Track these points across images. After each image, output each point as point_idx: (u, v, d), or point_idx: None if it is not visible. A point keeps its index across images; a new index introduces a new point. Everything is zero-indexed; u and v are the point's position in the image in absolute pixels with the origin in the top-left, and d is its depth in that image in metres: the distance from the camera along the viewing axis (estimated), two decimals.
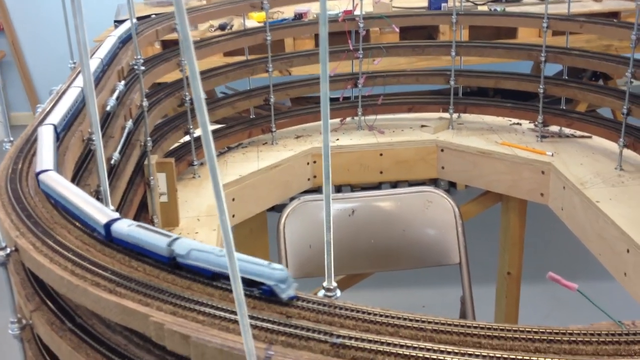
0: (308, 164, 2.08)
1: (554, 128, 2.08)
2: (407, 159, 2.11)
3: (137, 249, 0.84)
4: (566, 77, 2.03)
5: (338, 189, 3.44)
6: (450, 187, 3.71)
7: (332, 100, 2.26)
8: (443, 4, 3.00)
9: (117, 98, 1.43)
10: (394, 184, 3.58)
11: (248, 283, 0.75)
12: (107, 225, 0.86)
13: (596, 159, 1.91)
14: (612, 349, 0.66)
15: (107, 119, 1.42)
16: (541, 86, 1.95)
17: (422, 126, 2.17)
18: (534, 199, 1.98)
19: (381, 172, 2.13)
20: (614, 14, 2.96)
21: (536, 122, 2.03)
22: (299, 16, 3.03)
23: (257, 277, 0.75)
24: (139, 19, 1.90)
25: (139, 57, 1.55)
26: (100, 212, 0.88)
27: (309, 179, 2.10)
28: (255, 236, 2.16)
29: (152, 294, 0.78)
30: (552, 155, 1.93)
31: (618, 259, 1.59)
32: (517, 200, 2.18)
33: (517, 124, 2.16)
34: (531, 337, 0.67)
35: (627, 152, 1.84)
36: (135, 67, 1.56)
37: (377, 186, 3.53)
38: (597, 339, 0.67)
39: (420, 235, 2.02)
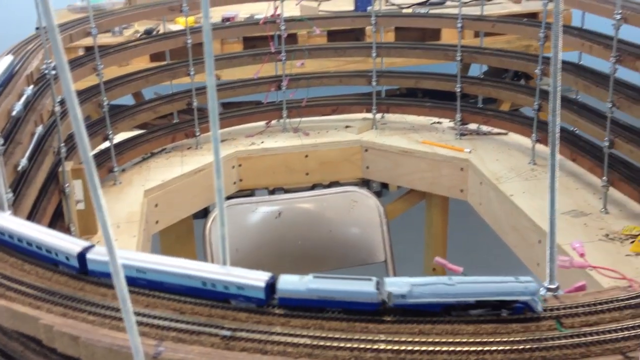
0: (233, 167, 2.08)
1: (473, 126, 2.14)
2: (332, 159, 2.13)
3: (329, 303, 0.71)
4: (482, 76, 2.10)
5: (272, 192, 3.44)
6: (382, 188, 3.75)
7: (256, 103, 2.26)
8: (369, 7, 3.06)
9: (25, 103, 1.39)
10: (327, 185, 3.61)
11: (494, 306, 0.68)
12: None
13: (511, 154, 1.98)
14: (490, 328, 0.68)
15: (15, 124, 1.38)
16: (458, 85, 2.01)
17: (347, 127, 2.20)
18: (454, 195, 2.04)
19: (307, 174, 2.15)
20: (533, 15, 3.06)
21: (455, 121, 2.08)
22: (226, 20, 3.03)
23: (510, 296, 0.67)
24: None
25: (49, 61, 1.51)
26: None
27: (234, 183, 2.10)
28: (182, 242, 2.14)
29: (43, 296, 0.77)
30: (470, 152, 1.99)
31: (531, 250, 1.65)
32: (439, 197, 2.24)
33: (438, 122, 2.21)
34: (416, 319, 0.69)
35: (540, 147, 1.91)
36: (46, 71, 1.52)
37: (312, 187, 3.55)
38: (476, 318, 0.69)
39: (346, 235, 2.04)
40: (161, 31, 2.91)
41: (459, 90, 2.01)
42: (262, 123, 2.20)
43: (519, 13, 3.03)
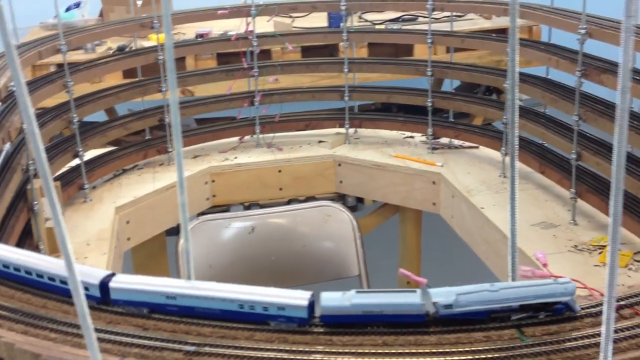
0: (206, 183, 2.07)
1: (445, 140, 2.16)
2: (305, 174, 2.13)
3: (372, 318, 0.69)
4: (453, 91, 2.12)
5: (248, 207, 3.43)
6: (358, 202, 3.76)
7: (229, 118, 2.26)
8: (342, 24, 3.08)
9: None
10: (302, 200, 3.61)
11: (536, 309, 0.68)
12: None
13: (482, 167, 2.00)
14: (453, 338, 0.69)
15: None
16: (429, 100, 2.03)
17: (320, 142, 2.21)
18: (427, 209, 2.05)
19: (281, 189, 2.15)
20: (503, 30, 3.12)
21: (427, 135, 2.10)
22: (200, 36, 3.03)
23: (552, 298, 0.68)
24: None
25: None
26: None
27: (207, 199, 2.09)
28: (155, 260, 2.12)
29: (4, 314, 0.75)
30: (442, 165, 2.01)
31: (502, 262, 1.65)
32: (412, 211, 2.25)
33: (410, 137, 2.23)
34: (380, 331, 0.69)
35: (509, 160, 1.93)
36: (14, 88, 1.51)
37: (287, 202, 3.55)
38: (440, 329, 0.70)
39: (320, 249, 2.04)
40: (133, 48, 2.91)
41: (430, 104, 2.03)
42: (235, 139, 2.20)
43: (489, 29, 3.09)
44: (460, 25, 3.07)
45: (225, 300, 0.72)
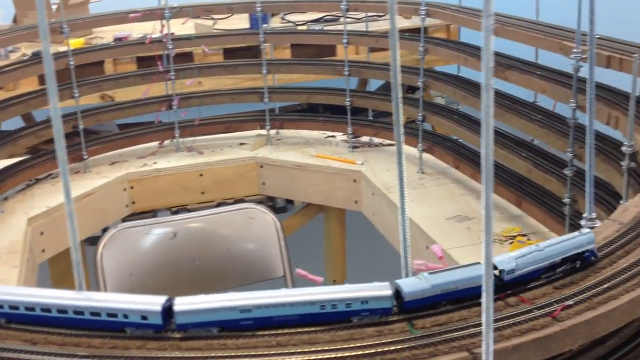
0: (125, 190, 2.03)
1: (366, 138, 2.19)
2: (227, 177, 2.12)
3: (446, 296, 0.72)
4: (369, 90, 2.15)
5: (176, 212, 3.37)
6: (287, 203, 3.77)
7: (147, 123, 2.22)
8: (264, 25, 3.08)
9: None
10: (238, 201, 3.58)
11: (572, 260, 0.77)
12: None
13: None
14: (346, 334, 0.70)
15: None
16: (348, 99, 2.05)
17: (241, 144, 2.20)
18: (349, 207, 2.07)
19: (203, 193, 2.13)
20: (425, 30, 3.18)
21: (347, 134, 2.12)
22: (118, 40, 2.97)
23: (584, 247, 0.77)
24: None
25: None
26: None
27: (127, 206, 2.05)
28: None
29: None
30: (362, 164, 2.03)
31: (420, 256, 1.69)
32: (336, 210, 2.27)
33: (332, 136, 2.25)
34: (269, 333, 0.69)
35: (427, 156, 1.97)
36: None
37: (217, 205, 3.51)
38: (333, 327, 0.70)
39: (244, 252, 2.03)
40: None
41: (348, 104, 2.05)
42: (155, 143, 2.17)
43: (408, 28, 3.13)
44: (381, 25, 3.11)
45: (306, 304, 0.70)
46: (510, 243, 1.59)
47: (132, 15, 2.00)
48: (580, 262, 0.79)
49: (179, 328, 0.70)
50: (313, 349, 0.68)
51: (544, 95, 1.54)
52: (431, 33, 3.16)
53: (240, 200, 3.04)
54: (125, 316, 0.70)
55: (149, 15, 1.98)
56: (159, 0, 2.01)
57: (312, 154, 2.13)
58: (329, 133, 2.25)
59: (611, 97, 1.29)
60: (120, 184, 2.00)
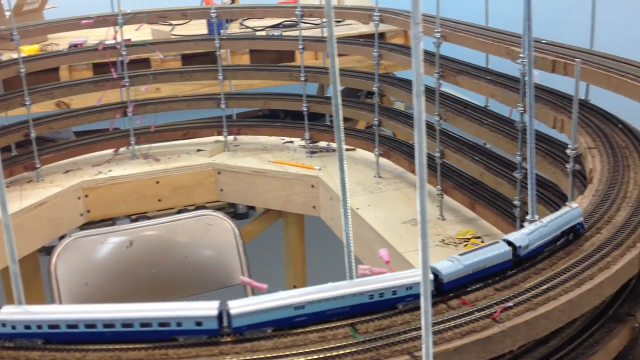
0: (79, 198, 2.00)
1: (323, 143, 2.19)
2: (184, 184, 2.10)
3: (475, 275, 0.76)
4: (325, 95, 2.15)
5: (135, 220, 3.34)
6: (249, 209, 3.76)
7: (102, 131, 2.19)
8: (222, 31, 3.07)
9: None
10: (199, 208, 3.55)
11: (567, 232, 0.84)
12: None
13: (358, 169, 2.05)
14: (290, 341, 0.70)
15: None
16: (304, 105, 2.05)
17: (198, 150, 2.19)
18: (308, 212, 2.07)
19: (159, 200, 2.11)
20: (381, 35, 3.21)
21: (305, 139, 2.13)
22: (74, 46, 2.92)
23: (576, 220, 0.84)
24: None
25: None
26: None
27: (81, 214, 2.02)
28: (28, 281, 2.02)
29: None
30: (320, 169, 2.04)
31: (377, 260, 1.70)
32: (295, 215, 2.27)
33: (290, 142, 2.25)
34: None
35: (384, 161, 1.99)
36: None
37: (177, 212, 3.48)
38: (277, 333, 0.70)
39: (202, 259, 2.02)
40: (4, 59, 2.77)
41: (305, 109, 2.06)
42: (110, 151, 2.14)
43: (367, 34, 3.16)
44: (340, 31, 3.13)
45: (356, 295, 0.72)
46: (465, 246, 1.61)
47: (84, 21, 1.97)
48: (572, 234, 0.85)
49: (235, 331, 0.69)
50: (255, 357, 0.67)
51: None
52: (389, 38, 3.19)
53: (202, 207, 3.02)
54: (179, 324, 0.68)
55: (101, 21, 1.95)
56: (112, 6, 1.98)
57: (270, 160, 2.12)
58: (287, 139, 2.25)
59: (557, 100, 1.32)
60: (74, 193, 1.97)
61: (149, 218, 3.26)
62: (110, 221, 2.74)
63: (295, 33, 2.90)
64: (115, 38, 1.98)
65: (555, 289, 0.76)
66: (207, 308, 0.69)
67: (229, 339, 0.69)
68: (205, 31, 3.04)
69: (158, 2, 2.46)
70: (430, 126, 1.82)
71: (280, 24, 3.24)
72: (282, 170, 2.06)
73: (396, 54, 1.81)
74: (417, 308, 0.72)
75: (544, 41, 1.39)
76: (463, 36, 1.54)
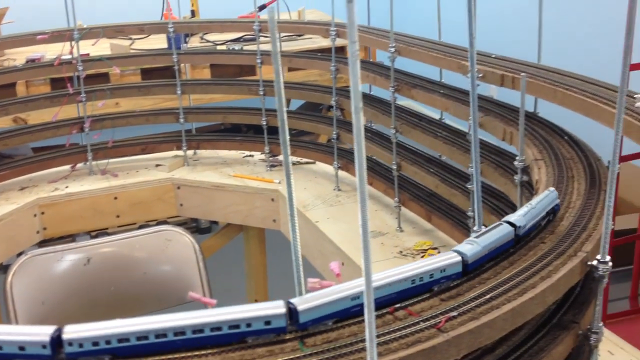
0: (35, 215, 1.97)
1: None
2: (143, 199, 2.09)
3: (489, 255, 0.84)
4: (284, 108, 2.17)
5: (95, 236, 3.29)
6: (212, 224, 3.74)
7: (58, 146, 2.17)
8: (183, 45, 3.06)
9: None
10: (160, 223, 3.52)
11: (549, 213, 0.93)
12: None
13: (318, 182, 2.06)
14: (237, 356, 0.70)
15: None
16: (263, 118, 2.06)
17: (157, 165, 2.17)
18: (268, 226, 2.07)
19: (118, 216, 2.09)
20: (341, 49, 3.24)
21: (265, 153, 2.13)
22: (31, 62, 2.89)
23: (553, 203, 0.93)
24: None
25: None
26: None
27: (38, 232, 1.99)
28: None
29: None
30: (280, 182, 2.04)
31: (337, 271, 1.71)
32: (255, 229, 2.27)
33: (250, 155, 2.25)
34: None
35: (343, 174, 2.00)
36: None
37: (139, 228, 3.45)
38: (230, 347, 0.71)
39: (162, 275, 2.00)
40: None
41: (264, 123, 2.07)
42: (67, 167, 2.11)
43: (327, 47, 3.19)
44: (301, 44, 3.15)
45: (401, 281, 0.76)
46: (422, 257, 1.64)
47: (39, 37, 1.95)
48: (552, 215, 0.94)
49: (301, 327, 0.72)
50: None
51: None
52: (348, 53, 3.22)
53: (163, 222, 3.00)
54: (249, 325, 0.70)
55: (57, 37, 1.93)
56: (67, 21, 1.97)
57: (230, 174, 2.12)
58: (247, 153, 2.26)
59: (507, 113, 1.36)
60: (30, 210, 1.94)
61: (109, 234, 3.23)
62: (70, 238, 2.70)
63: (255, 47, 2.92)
64: (71, 53, 1.96)
65: (499, 298, 0.78)
66: (274, 307, 0.72)
67: (295, 335, 0.72)
68: (166, 45, 3.04)
69: (122, 16, 2.45)
70: (387, 139, 1.85)
71: (241, 37, 3.25)
72: (242, 184, 2.06)
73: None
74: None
75: (493, 55, 1.43)
76: (416, 51, 1.56)
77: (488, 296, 0.78)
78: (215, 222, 3.80)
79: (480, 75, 1.35)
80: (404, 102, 1.74)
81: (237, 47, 3.06)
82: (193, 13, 3.50)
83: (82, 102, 2.01)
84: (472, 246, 0.82)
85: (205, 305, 0.82)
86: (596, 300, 0.90)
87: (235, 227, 2.29)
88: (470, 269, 0.82)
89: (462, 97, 1.49)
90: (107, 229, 3.11)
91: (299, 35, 3.24)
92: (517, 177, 1.17)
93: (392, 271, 0.78)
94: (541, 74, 1.29)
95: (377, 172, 1.85)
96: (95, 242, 1.95)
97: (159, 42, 3.10)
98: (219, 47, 3.06)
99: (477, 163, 0.88)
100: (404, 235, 1.73)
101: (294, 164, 2.18)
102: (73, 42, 1.97)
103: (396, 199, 1.73)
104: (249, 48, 2.80)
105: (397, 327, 0.74)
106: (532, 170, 1.14)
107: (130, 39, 3.15)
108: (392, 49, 1.61)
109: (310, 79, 2.95)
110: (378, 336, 0.72)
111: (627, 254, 2.74)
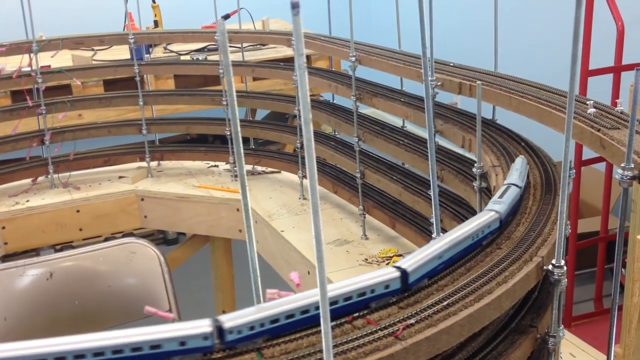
0: None
1: (248, 167, 2.20)
2: (106, 212, 2.06)
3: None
4: (250, 119, 2.17)
5: (60, 249, 3.24)
6: (179, 235, 3.71)
7: (18, 160, 2.13)
8: (146, 55, 3.04)
9: None
10: (126, 235, 3.48)
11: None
12: None
13: (283, 191, 2.06)
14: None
15: None
16: (227, 129, 2.05)
17: (120, 177, 2.15)
18: (234, 236, 2.07)
19: (81, 229, 2.06)
20: (307, 58, 3.25)
21: (229, 163, 2.13)
22: None
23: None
24: None
25: None
26: None
27: None
28: None
29: None
30: None
31: (302, 281, 1.71)
32: (221, 240, 2.26)
33: (215, 166, 2.24)
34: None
35: (308, 183, 2.00)
36: None
37: (104, 240, 3.40)
38: None
39: (126, 288, 1.97)
40: None
41: (228, 133, 2.06)
42: (27, 181, 2.08)
43: (292, 57, 3.20)
44: (266, 54, 3.15)
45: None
46: (387, 264, 1.65)
47: None
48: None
49: (410, 286, 0.80)
50: None
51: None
52: (314, 61, 3.23)
53: (130, 234, 2.96)
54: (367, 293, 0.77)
55: (15, 49, 1.91)
56: (26, 32, 1.94)
57: (195, 185, 2.11)
58: (212, 163, 2.25)
59: (466, 121, 1.38)
60: None
61: (74, 247, 3.17)
62: (33, 252, 2.65)
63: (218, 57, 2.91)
64: (30, 65, 1.93)
65: (456, 304, 0.78)
66: (389, 272, 0.79)
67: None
68: (128, 56, 3.01)
69: (86, 27, 2.42)
70: (351, 147, 1.86)
71: (204, 47, 3.24)
72: (207, 195, 2.05)
73: (314, 77, 1.84)
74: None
75: (451, 64, 1.45)
76: (376, 60, 1.58)
77: (445, 303, 0.78)
78: (183, 234, 3.77)
79: (439, 83, 1.36)
80: (368, 110, 1.75)
81: (200, 57, 3.05)
82: (156, 23, 3.48)
83: (42, 114, 1.98)
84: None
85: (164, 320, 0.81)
86: (553, 304, 0.92)
87: (201, 237, 2.27)
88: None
89: (422, 105, 1.51)
90: (72, 242, 3.07)
91: (264, 45, 3.24)
92: (475, 184, 1.19)
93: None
94: (497, 82, 1.31)
95: (342, 180, 1.86)
96: (57, 256, 1.92)
97: (122, 53, 3.07)
98: (182, 57, 3.05)
99: (434, 171, 0.89)
100: (369, 242, 1.74)
101: (259, 173, 2.18)
102: (32, 54, 1.94)
103: (360, 206, 1.74)
104: (213, 58, 2.79)
105: (355, 336, 0.74)
106: (490, 177, 1.16)
107: (93, 49, 3.12)
108: (353, 58, 1.63)
109: (275, 88, 2.95)
110: (336, 345, 0.72)
111: (591, 256, 2.79)
